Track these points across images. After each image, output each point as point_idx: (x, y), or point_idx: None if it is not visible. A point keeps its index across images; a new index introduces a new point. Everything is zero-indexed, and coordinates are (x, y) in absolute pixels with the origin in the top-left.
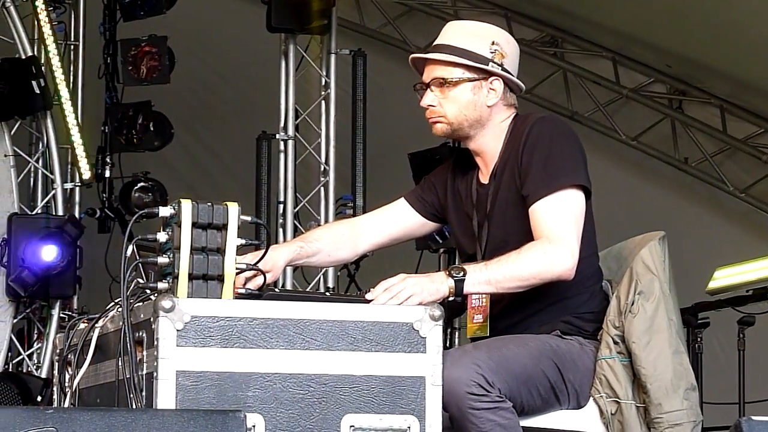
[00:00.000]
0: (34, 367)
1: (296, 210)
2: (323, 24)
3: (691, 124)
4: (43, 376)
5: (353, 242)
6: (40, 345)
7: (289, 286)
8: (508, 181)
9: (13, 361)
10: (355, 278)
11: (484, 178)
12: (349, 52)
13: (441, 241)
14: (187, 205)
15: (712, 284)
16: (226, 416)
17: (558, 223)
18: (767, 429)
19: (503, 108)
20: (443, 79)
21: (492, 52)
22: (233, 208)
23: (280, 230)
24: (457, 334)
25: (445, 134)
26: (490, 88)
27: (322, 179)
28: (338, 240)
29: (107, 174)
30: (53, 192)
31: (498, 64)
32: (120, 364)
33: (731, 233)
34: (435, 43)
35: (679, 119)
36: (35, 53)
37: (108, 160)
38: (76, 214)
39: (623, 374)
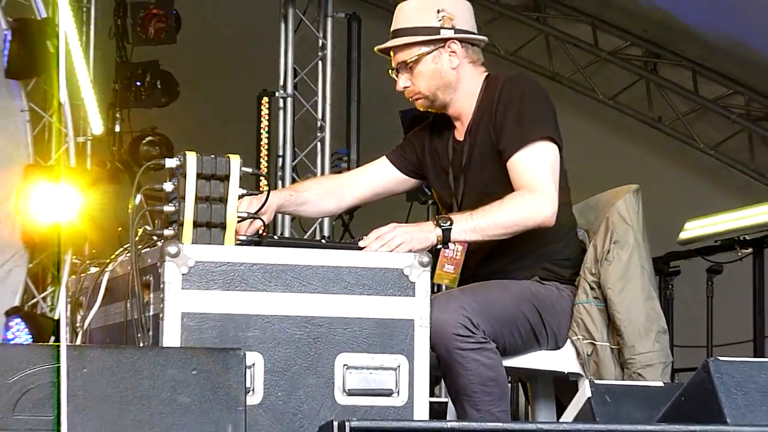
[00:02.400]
0: (48, 309)
1: (294, 163)
2: None
3: (665, 85)
4: (56, 317)
5: (338, 196)
6: (53, 288)
7: (287, 235)
8: (483, 137)
9: (29, 303)
10: (349, 227)
11: (460, 136)
12: (345, 16)
13: (429, 193)
14: (191, 157)
15: (683, 235)
16: (227, 354)
17: (536, 173)
18: (732, 368)
19: (469, 66)
20: (405, 62)
21: (440, 20)
22: (235, 160)
23: (279, 182)
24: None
25: (427, 107)
26: (451, 52)
27: (318, 135)
28: (324, 193)
29: (117, 129)
30: (66, 145)
31: (449, 28)
32: (128, 305)
33: (701, 187)
34: (391, 30)
35: (654, 81)
36: (49, 14)
37: (118, 115)
38: (88, 166)
39: (599, 318)
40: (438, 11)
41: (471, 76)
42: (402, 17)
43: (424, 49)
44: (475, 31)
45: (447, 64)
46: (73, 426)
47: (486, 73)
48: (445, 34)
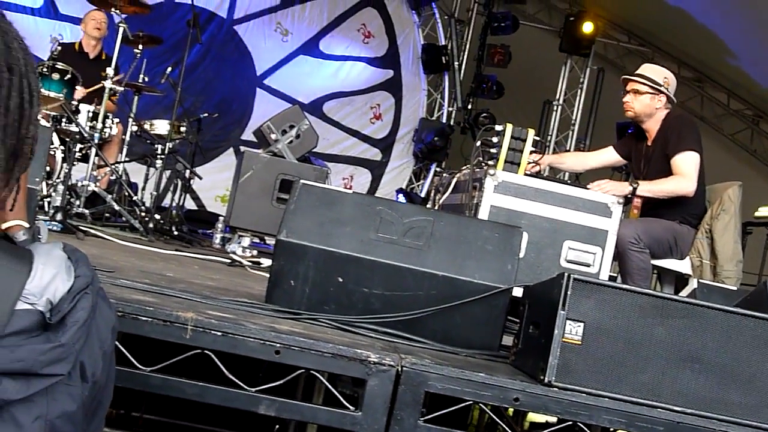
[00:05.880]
0: (420, 192)
1: (556, 140)
2: (587, 51)
3: (761, 132)
4: (422, 195)
5: (582, 164)
6: (423, 181)
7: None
8: (661, 146)
9: (409, 188)
10: (578, 179)
11: (649, 143)
12: (597, 68)
13: (624, 169)
14: (509, 126)
15: (757, 213)
16: (513, 229)
17: (686, 168)
18: None
19: (663, 108)
20: (636, 89)
21: (663, 81)
22: (531, 131)
23: (548, 150)
24: (624, 214)
25: (631, 117)
26: (659, 99)
27: (571, 128)
28: (576, 161)
29: (469, 106)
30: (442, 110)
31: (665, 89)
32: (463, 196)
33: None
34: (635, 72)
35: (755, 130)
36: (446, 43)
37: (470, 99)
38: (451, 123)
39: (707, 248)
40: (664, 77)
41: (661, 113)
42: (646, 69)
43: (649, 90)
44: (672, 95)
45: (654, 104)
46: (431, 249)
47: (668, 111)
48: (662, 89)
